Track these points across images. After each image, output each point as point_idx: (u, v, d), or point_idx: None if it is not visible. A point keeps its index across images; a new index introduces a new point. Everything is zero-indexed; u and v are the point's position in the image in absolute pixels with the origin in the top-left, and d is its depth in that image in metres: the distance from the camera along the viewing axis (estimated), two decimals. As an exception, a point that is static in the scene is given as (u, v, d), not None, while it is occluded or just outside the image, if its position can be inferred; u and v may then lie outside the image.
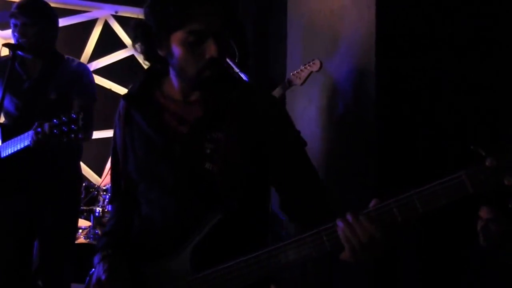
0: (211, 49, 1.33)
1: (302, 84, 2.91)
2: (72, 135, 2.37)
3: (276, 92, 2.96)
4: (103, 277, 1.42)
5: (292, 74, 2.95)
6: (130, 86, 1.57)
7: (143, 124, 1.48)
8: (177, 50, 1.36)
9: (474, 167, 1.15)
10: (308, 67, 2.89)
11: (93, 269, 1.50)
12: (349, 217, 1.19)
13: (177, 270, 1.37)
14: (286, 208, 1.49)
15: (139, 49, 1.45)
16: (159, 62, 1.46)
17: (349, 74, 2.86)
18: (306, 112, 3.07)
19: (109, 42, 4.99)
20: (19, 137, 2.53)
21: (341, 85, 2.85)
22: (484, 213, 2.22)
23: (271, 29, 5.02)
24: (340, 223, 1.19)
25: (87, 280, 1.48)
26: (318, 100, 3.05)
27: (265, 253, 1.28)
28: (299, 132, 1.52)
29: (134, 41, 1.44)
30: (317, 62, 2.87)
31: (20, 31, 2.67)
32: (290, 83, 2.96)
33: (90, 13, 4.97)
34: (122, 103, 1.57)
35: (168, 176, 1.43)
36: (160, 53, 1.41)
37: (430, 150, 2.68)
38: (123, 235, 1.57)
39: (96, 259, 1.50)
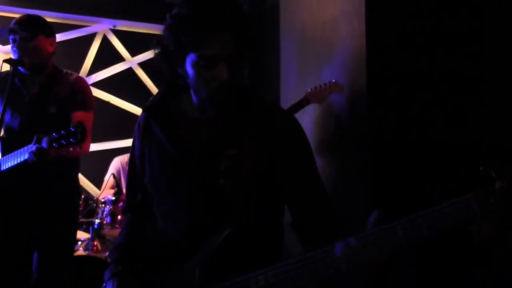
0: (222, 74, 1.34)
1: (321, 103, 2.80)
2: (71, 149, 2.42)
3: (291, 109, 2.86)
4: None
5: (310, 93, 2.82)
6: (150, 98, 1.59)
7: (161, 137, 1.49)
8: (190, 71, 1.38)
9: (483, 189, 1.11)
10: (329, 88, 2.78)
11: (104, 284, 1.51)
12: (352, 240, 1.19)
13: (186, 284, 1.38)
14: (296, 227, 1.49)
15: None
16: (179, 79, 1.46)
17: (341, 81, 2.86)
18: (300, 122, 3.10)
19: (107, 56, 5.02)
20: (18, 151, 2.57)
21: (333, 95, 2.88)
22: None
23: (265, 41, 5.09)
24: (340, 247, 1.20)
25: None
26: (312, 110, 3.07)
27: (273, 269, 1.28)
28: (312, 155, 1.51)
29: (155, 56, 1.45)
30: (339, 85, 2.77)
31: (19, 46, 2.74)
32: (308, 101, 2.84)
33: (89, 27, 5.00)
34: (142, 114, 1.59)
35: (182, 190, 1.45)
36: (179, 70, 1.43)
37: (421, 155, 2.72)
38: (135, 249, 1.58)
39: (106, 274, 1.51)
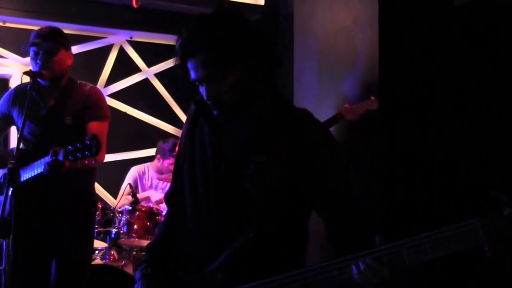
0: (205, 94, 1.41)
1: (357, 119, 2.77)
2: (86, 161, 2.46)
3: (328, 124, 2.81)
4: None
5: (345, 108, 2.79)
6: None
7: (207, 138, 1.53)
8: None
9: (490, 215, 1.07)
10: (365, 105, 2.75)
11: (136, 285, 1.57)
12: (367, 259, 1.22)
13: (208, 287, 1.42)
14: (331, 239, 1.49)
15: None
16: None
17: (354, 91, 2.90)
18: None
19: (124, 67, 5.04)
20: (35, 164, 2.61)
21: (347, 101, 2.88)
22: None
23: (279, 50, 5.12)
24: (354, 269, 1.24)
25: None
26: (328, 115, 3.05)
27: (293, 275, 1.32)
28: (345, 167, 1.50)
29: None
30: (375, 102, 2.72)
31: (42, 59, 2.76)
32: (342, 117, 2.81)
33: (106, 39, 5.03)
34: (192, 107, 1.63)
35: (211, 191, 1.49)
36: None
37: (431, 164, 2.72)
38: (166, 249, 1.63)
39: (137, 274, 1.57)
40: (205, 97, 1.41)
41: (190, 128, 1.62)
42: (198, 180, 1.53)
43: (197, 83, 1.43)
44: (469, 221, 1.08)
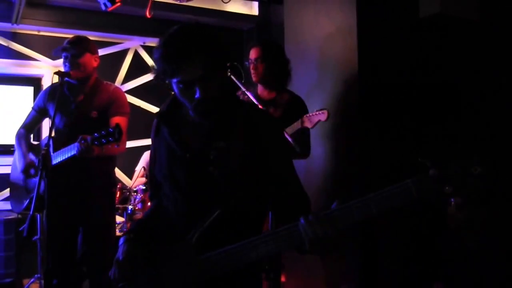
0: (197, 92, 1.39)
1: (312, 127, 2.72)
2: (110, 146, 2.49)
3: (292, 128, 2.76)
4: (120, 258, 1.51)
5: (306, 116, 2.73)
6: (161, 106, 1.66)
7: (167, 135, 1.56)
8: (176, 91, 1.45)
9: (419, 176, 1.17)
10: (318, 115, 2.69)
11: (119, 250, 1.56)
12: (310, 216, 1.26)
13: (184, 253, 1.44)
14: (274, 209, 1.55)
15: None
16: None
17: (337, 91, 2.94)
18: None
19: (138, 68, 5.04)
20: (66, 148, 2.64)
21: (331, 99, 2.92)
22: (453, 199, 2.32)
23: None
24: (302, 221, 1.27)
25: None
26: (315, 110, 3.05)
27: (248, 243, 1.35)
28: (287, 148, 1.53)
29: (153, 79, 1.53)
30: (325, 113, 2.65)
31: (69, 62, 2.83)
32: (302, 123, 2.74)
33: (123, 44, 5.04)
34: (155, 119, 1.66)
35: (181, 177, 1.52)
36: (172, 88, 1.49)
37: (402, 153, 2.76)
38: (148, 224, 1.65)
39: (120, 240, 1.56)
40: (196, 95, 1.39)
41: (154, 138, 1.66)
42: (170, 171, 1.55)
43: (181, 85, 1.41)
44: (404, 181, 1.17)
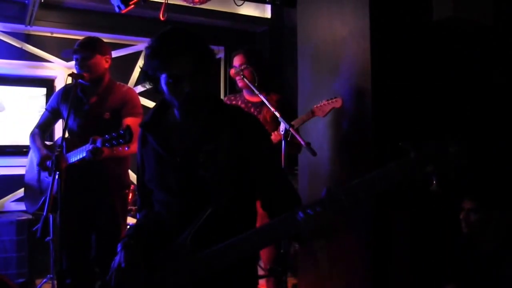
0: (186, 88, 1.46)
1: (324, 116, 2.75)
2: (120, 148, 2.50)
3: (301, 119, 2.82)
4: (122, 265, 1.53)
5: (316, 107, 2.75)
6: (144, 117, 1.71)
7: (153, 143, 1.60)
8: (164, 87, 1.50)
9: (402, 159, 1.27)
10: (331, 103, 2.71)
11: (117, 256, 1.58)
12: (309, 210, 1.32)
13: (179, 253, 1.48)
14: (266, 207, 1.59)
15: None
16: (163, 95, 1.57)
17: (350, 93, 2.91)
18: (316, 127, 3.13)
19: (151, 70, 5.14)
20: (77, 150, 2.65)
21: (344, 103, 2.91)
22: (466, 204, 2.31)
23: (285, 57, 5.15)
24: (300, 214, 1.33)
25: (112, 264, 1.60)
26: (326, 116, 3.07)
27: (244, 237, 1.41)
28: (273, 147, 1.61)
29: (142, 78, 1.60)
30: (339, 100, 2.68)
31: (80, 63, 2.85)
32: (313, 114, 2.78)
33: (136, 46, 5.08)
34: (140, 129, 1.71)
35: (172, 181, 1.56)
36: (159, 88, 1.53)
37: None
38: (144, 229, 1.66)
39: (119, 246, 1.59)
40: (186, 89, 1.46)
41: (141, 149, 1.70)
42: (161, 177, 1.59)
43: (170, 80, 1.46)
44: (387, 165, 1.27)
